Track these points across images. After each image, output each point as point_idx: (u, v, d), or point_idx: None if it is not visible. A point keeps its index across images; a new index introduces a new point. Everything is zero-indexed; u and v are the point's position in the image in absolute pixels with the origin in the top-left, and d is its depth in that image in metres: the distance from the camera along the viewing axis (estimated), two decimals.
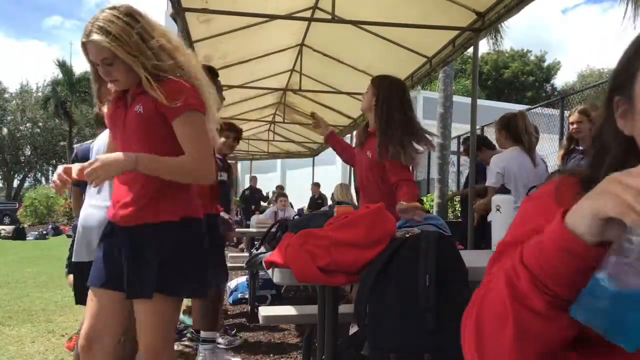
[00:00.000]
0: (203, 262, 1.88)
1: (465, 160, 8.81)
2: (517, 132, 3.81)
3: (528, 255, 0.64)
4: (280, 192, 9.77)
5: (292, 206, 9.36)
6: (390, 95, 2.95)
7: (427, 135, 2.90)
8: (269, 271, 1.81)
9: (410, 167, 2.89)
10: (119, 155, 1.67)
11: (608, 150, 0.80)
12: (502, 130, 3.92)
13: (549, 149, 6.82)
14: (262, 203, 13.14)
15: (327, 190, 11.70)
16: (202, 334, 3.23)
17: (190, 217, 1.83)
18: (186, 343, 3.77)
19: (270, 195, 13.56)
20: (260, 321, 2.91)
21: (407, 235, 1.72)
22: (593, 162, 0.82)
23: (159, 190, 1.77)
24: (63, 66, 28.26)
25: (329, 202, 11.30)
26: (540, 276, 0.62)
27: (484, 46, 29.49)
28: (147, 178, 1.75)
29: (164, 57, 1.70)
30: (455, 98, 12.82)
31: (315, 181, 13.15)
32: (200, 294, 1.94)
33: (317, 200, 12.22)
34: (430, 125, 7.61)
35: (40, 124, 31.95)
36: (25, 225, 19.10)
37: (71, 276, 3.81)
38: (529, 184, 3.59)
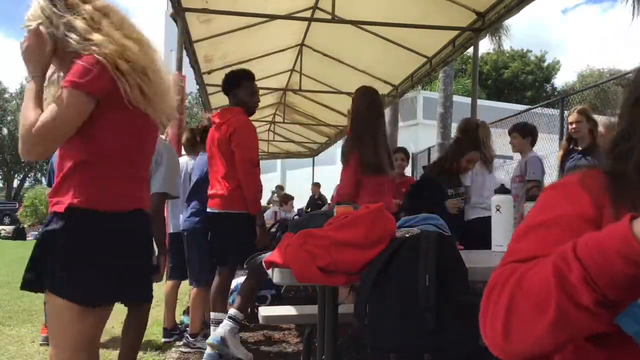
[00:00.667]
0: (86, 263, 1.60)
1: None
2: (475, 141, 3.95)
3: (583, 251, 0.64)
4: (285, 193, 9.76)
5: (292, 206, 9.37)
6: (363, 118, 3.26)
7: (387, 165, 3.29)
8: (269, 271, 1.80)
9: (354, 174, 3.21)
10: (41, 56, 1.61)
11: (634, 149, 0.83)
12: (459, 134, 4.11)
13: (549, 149, 6.81)
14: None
15: (327, 191, 11.71)
16: (231, 311, 3.24)
17: (79, 207, 1.59)
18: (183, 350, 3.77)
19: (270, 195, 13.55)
20: (260, 321, 2.91)
21: (407, 235, 1.72)
22: (617, 159, 0.85)
23: (71, 170, 1.61)
24: None
25: (329, 202, 11.30)
26: (593, 275, 0.62)
27: (485, 46, 29.50)
28: (62, 153, 1.64)
29: (72, 39, 1.59)
30: (455, 98, 12.82)
31: (315, 181, 13.14)
32: (85, 301, 1.59)
33: (317, 200, 12.21)
34: (430, 125, 7.61)
35: None
36: (25, 225, 19.11)
37: None
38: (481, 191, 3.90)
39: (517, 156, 4.60)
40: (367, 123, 3.24)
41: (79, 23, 1.60)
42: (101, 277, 1.62)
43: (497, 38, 16.11)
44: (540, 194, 0.89)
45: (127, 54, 1.61)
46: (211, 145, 3.47)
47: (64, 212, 1.60)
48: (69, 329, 1.61)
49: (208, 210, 3.46)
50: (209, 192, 3.47)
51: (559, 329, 0.66)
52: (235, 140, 3.29)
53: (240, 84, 3.50)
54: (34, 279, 1.62)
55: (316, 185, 12.74)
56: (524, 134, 4.45)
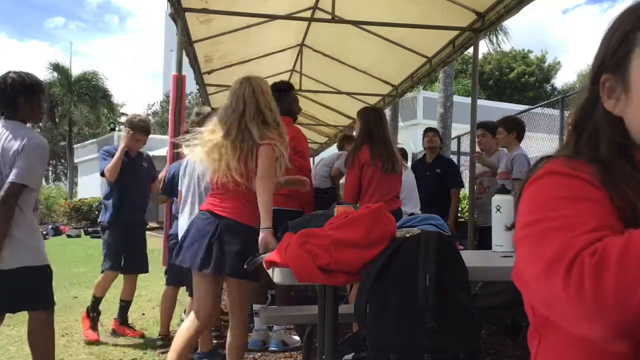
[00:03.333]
0: None
1: (465, 160, 8.81)
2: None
3: None
4: None
5: None
6: (374, 121, 3.71)
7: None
8: (269, 271, 1.81)
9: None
10: None
11: (599, 130, 0.78)
12: None
13: (549, 149, 6.81)
14: None
15: None
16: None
17: None
18: None
19: None
20: (261, 321, 2.91)
21: (407, 236, 1.72)
22: (590, 144, 0.79)
23: None
24: (57, 68, 28.03)
25: None
26: None
27: (483, 48, 29.42)
28: None
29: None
30: (455, 98, 12.82)
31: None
32: None
33: None
34: (430, 125, 7.61)
35: (40, 124, 31.88)
36: None
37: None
38: None
39: None
40: (376, 128, 3.62)
41: None
42: None
43: (495, 39, 16.07)
44: (529, 187, 0.79)
45: None
46: None
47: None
48: None
49: None
50: None
51: None
52: (296, 148, 3.57)
53: (288, 93, 3.80)
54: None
55: None
56: (509, 129, 4.37)
